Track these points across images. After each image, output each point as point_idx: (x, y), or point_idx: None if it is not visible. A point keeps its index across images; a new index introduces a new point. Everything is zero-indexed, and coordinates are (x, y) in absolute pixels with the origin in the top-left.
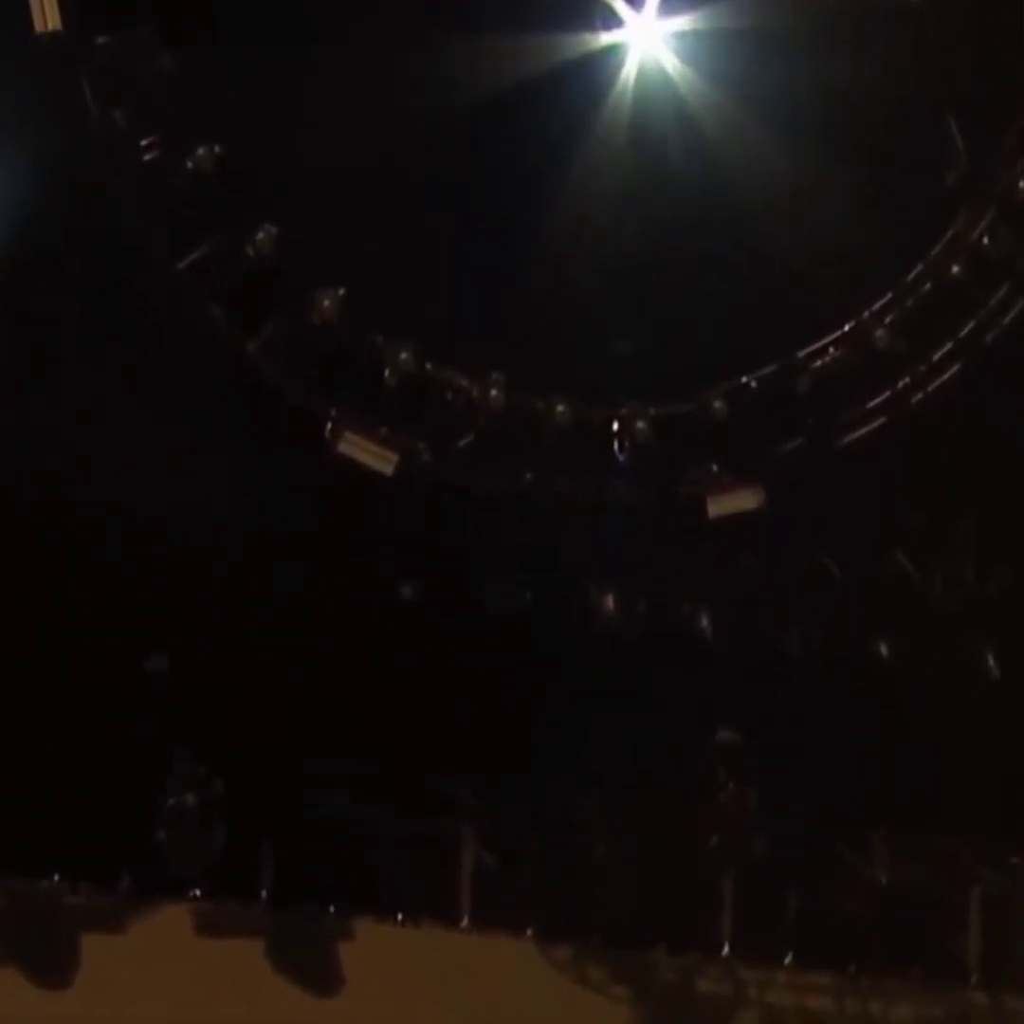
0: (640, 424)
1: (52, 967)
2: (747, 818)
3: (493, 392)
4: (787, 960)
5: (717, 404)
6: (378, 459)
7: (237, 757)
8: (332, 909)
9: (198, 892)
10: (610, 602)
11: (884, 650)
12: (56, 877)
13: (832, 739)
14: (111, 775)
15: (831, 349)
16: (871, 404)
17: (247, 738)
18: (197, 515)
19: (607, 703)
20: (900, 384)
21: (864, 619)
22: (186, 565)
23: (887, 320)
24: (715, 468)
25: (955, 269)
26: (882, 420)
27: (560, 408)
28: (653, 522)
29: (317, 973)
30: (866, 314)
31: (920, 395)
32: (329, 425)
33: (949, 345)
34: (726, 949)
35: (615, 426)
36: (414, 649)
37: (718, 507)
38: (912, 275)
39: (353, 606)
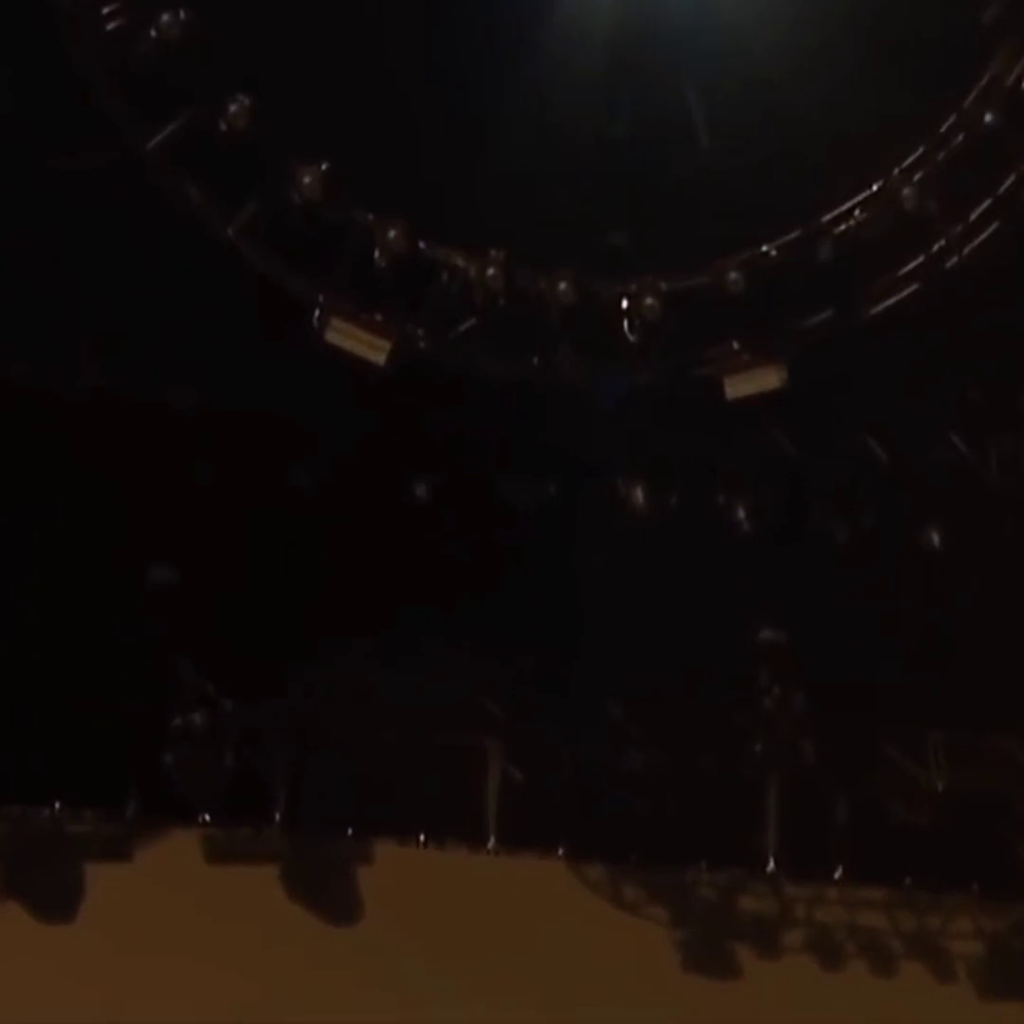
0: (650, 300)
1: (55, 899)
2: (793, 723)
3: (491, 271)
4: (837, 875)
5: (733, 276)
6: (370, 348)
7: (246, 673)
8: (350, 832)
9: (208, 817)
10: (639, 494)
11: (936, 538)
12: (58, 804)
13: (882, 635)
14: (114, 695)
15: (856, 212)
16: (902, 271)
17: (257, 653)
18: (184, 413)
19: (640, 604)
20: (933, 248)
21: (913, 505)
22: (179, 467)
23: (917, 177)
24: (735, 346)
25: (990, 117)
26: (914, 287)
27: (563, 286)
28: (676, 407)
29: (334, 900)
30: (895, 172)
31: (955, 259)
32: (316, 313)
33: (986, 202)
34: (771, 864)
35: (624, 304)
36: (430, 552)
37: (737, 388)
38: (944, 126)
39: (363, 508)
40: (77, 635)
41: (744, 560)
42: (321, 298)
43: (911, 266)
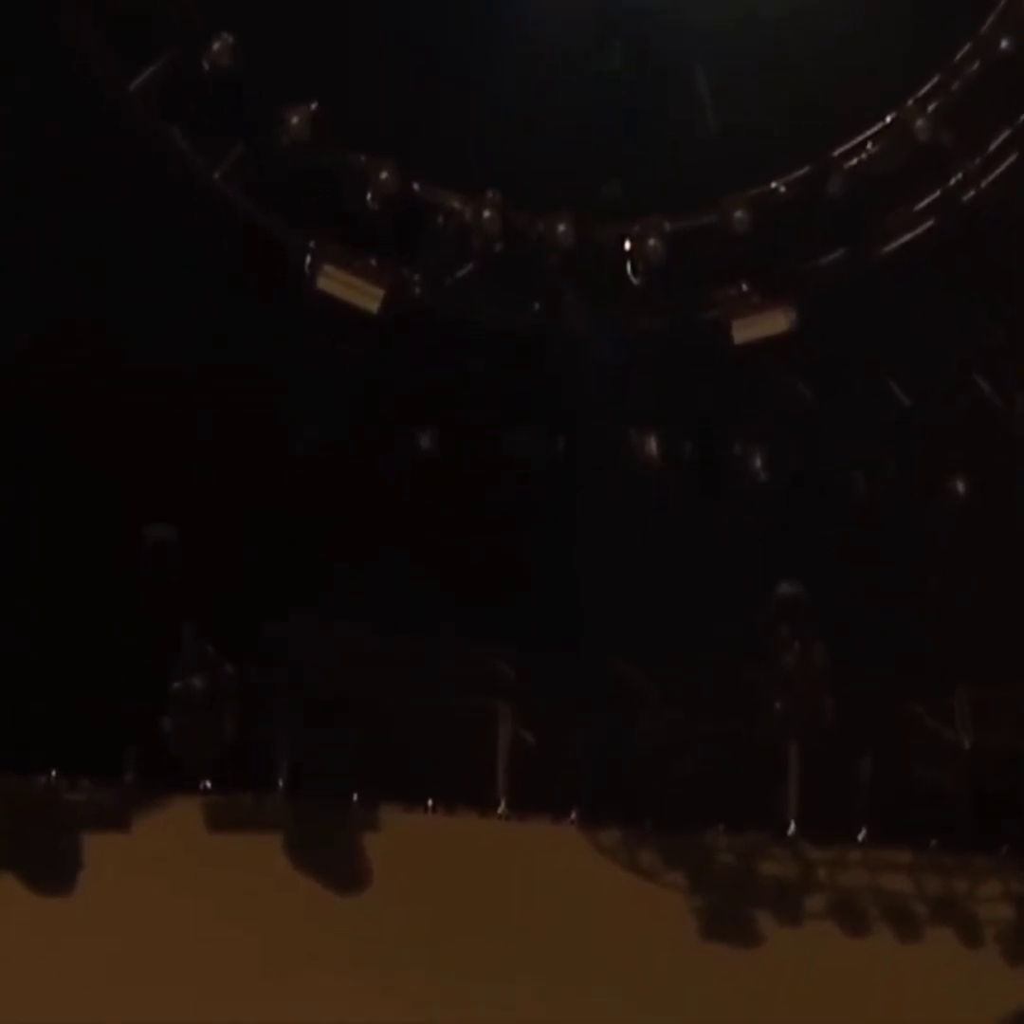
0: (653, 242)
1: (52, 871)
2: (813, 681)
3: (487, 214)
4: (860, 837)
5: (740, 215)
6: (363, 295)
7: (248, 636)
8: (355, 798)
9: (209, 784)
10: (651, 445)
11: (961, 487)
12: (54, 773)
13: (906, 588)
14: (111, 658)
15: (868, 145)
16: (917, 206)
17: (258, 614)
18: (175, 367)
19: (653, 560)
20: (950, 181)
21: (936, 451)
22: (173, 423)
23: (931, 108)
24: (744, 288)
25: (1006, 44)
26: (930, 223)
27: (562, 228)
28: (688, 353)
29: (340, 869)
30: (908, 102)
31: (973, 193)
32: (307, 260)
33: (1004, 133)
34: (792, 827)
35: (626, 246)
36: (436, 509)
37: (745, 332)
38: (958, 54)
39: (365, 464)
40: (72, 598)
41: (761, 511)
42: (312, 244)
43: (927, 201)
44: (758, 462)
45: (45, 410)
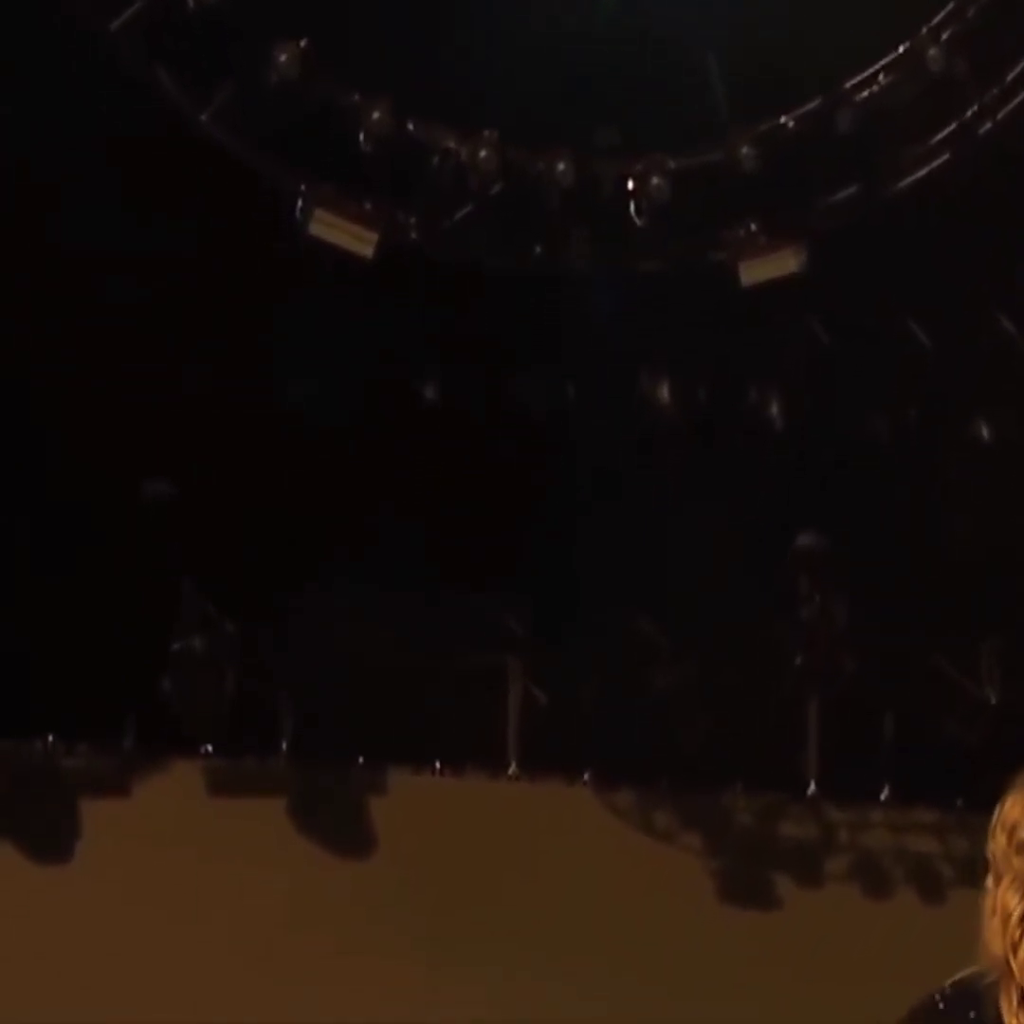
0: (657, 180)
1: (49, 838)
2: (834, 635)
3: (484, 153)
4: (883, 797)
5: (747, 151)
6: (356, 240)
7: (249, 593)
8: (361, 760)
9: (210, 748)
10: (664, 392)
11: (986, 431)
12: (50, 737)
13: (930, 538)
14: (108, 618)
15: (880, 76)
16: (932, 140)
17: (260, 571)
18: (165, 318)
19: (667, 510)
20: (965, 113)
21: (960, 395)
22: (168, 374)
23: (945, 36)
24: (752, 227)
25: None
26: (946, 157)
27: (562, 167)
28: (696, 296)
29: (346, 833)
30: (921, 31)
31: (989, 125)
32: (298, 203)
33: (1022, 63)
34: (812, 787)
35: (629, 184)
36: (441, 461)
37: (753, 273)
38: None
39: (368, 415)
40: (67, 556)
41: (779, 459)
42: (303, 188)
43: (942, 134)
44: (774, 408)
45: (33, 365)
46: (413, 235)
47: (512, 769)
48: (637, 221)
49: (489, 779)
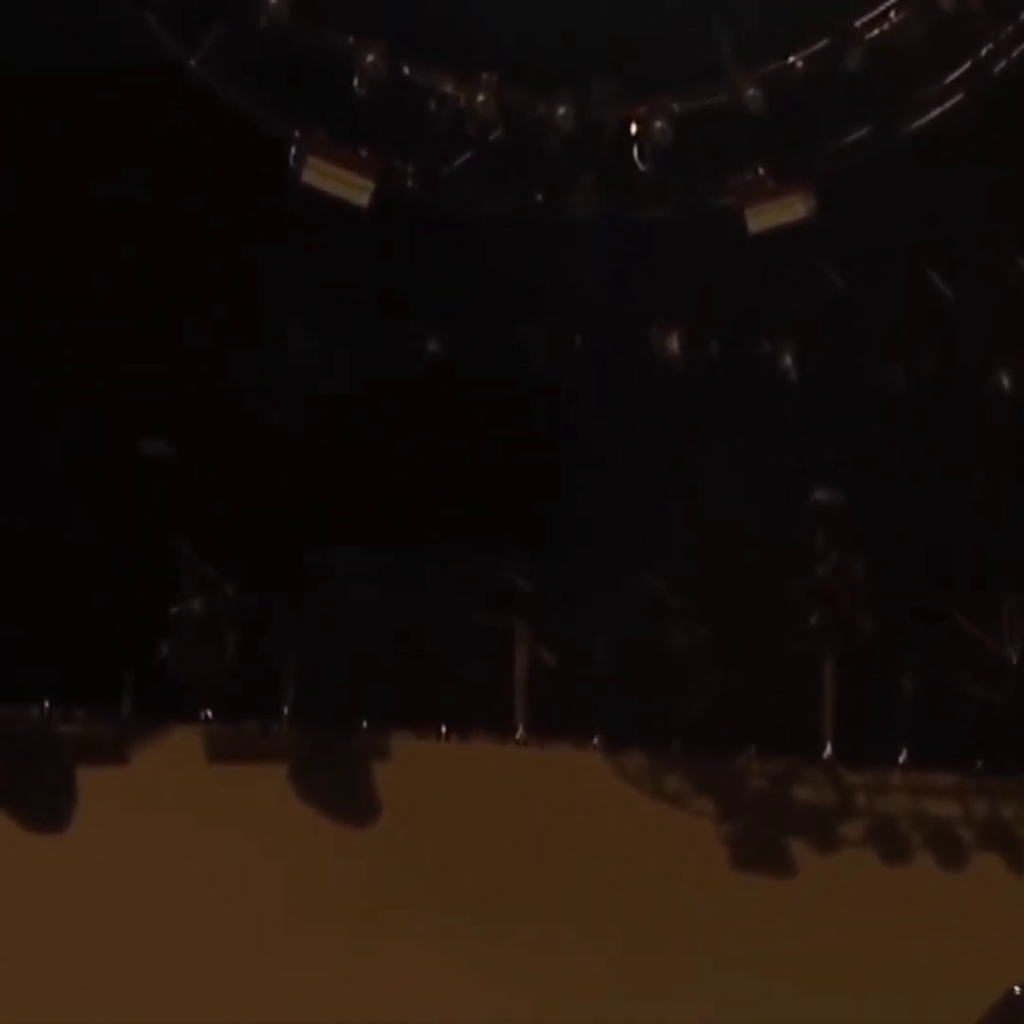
0: (661, 124)
1: (45, 807)
2: (851, 592)
3: (482, 97)
4: (901, 759)
5: (753, 92)
6: (351, 188)
7: (250, 555)
8: (365, 725)
9: (210, 714)
10: (674, 343)
11: (1006, 382)
12: (46, 704)
13: (949, 492)
14: (105, 582)
15: (891, 14)
16: (945, 80)
17: (260, 532)
18: (159, 270)
19: (679, 466)
20: (980, 52)
21: (979, 344)
22: (165, 330)
23: None
24: (760, 171)
25: None
26: (959, 97)
27: (562, 111)
28: (707, 243)
29: (349, 800)
30: None
31: (1004, 63)
32: (292, 151)
33: None
34: (828, 750)
35: (632, 128)
36: (446, 416)
37: (760, 219)
38: None
39: (371, 370)
40: (62, 519)
41: (793, 412)
42: (296, 135)
43: (955, 74)
44: (788, 359)
45: (27, 323)
46: (410, 183)
47: (519, 733)
48: (641, 166)
49: (496, 743)
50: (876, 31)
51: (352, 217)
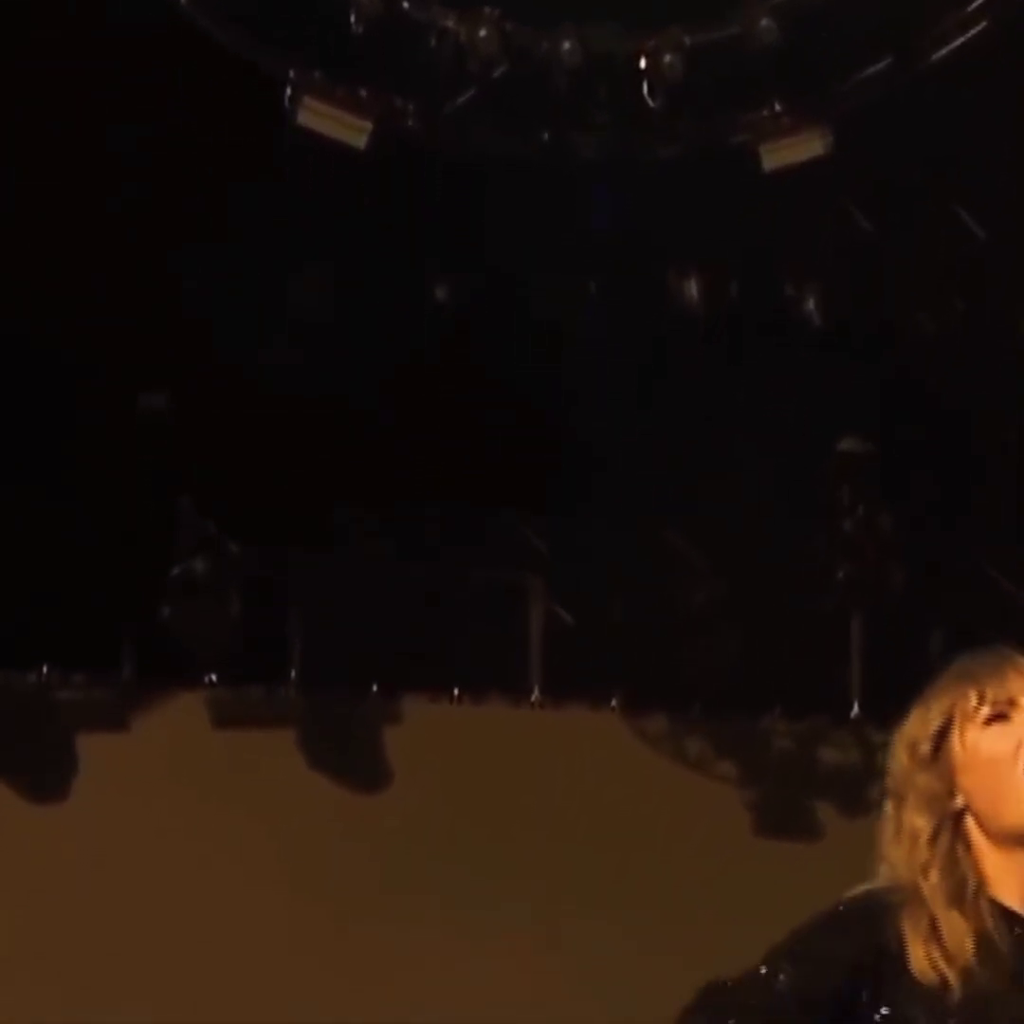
0: (671, 58)
1: (44, 775)
2: (879, 546)
3: (484, 32)
4: None
5: (766, 23)
6: (348, 129)
7: (254, 511)
8: (375, 688)
9: (214, 677)
10: (692, 288)
11: None
12: (44, 668)
13: (979, 441)
14: (104, 541)
15: None
16: (970, 6)
17: (265, 488)
18: (153, 219)
19: (699, 415)
20: None
21: (1010, 287)
22: (158, 279)
23: None
24: (776, 107)
25: None
26: (984, 25)
27: (568, 46)
28: (725, 183)
29: (360, 765)
30: None
31: None
32: (287, 91)
33: None
34: (855, 709)
35: (641, 63)
36: (455, 366)
37: (775, 157)
38: None
39: (376, 321)
40: (58, 476)
41: (817, 358)
42: (291, 74)
43: (978, 1)
44: (811, 303)
45: (24, 273)
46: (410, 124)
47: (535, 695)
48: (650, 103)
49: (511, 706)
50: None
51: (350, 160)
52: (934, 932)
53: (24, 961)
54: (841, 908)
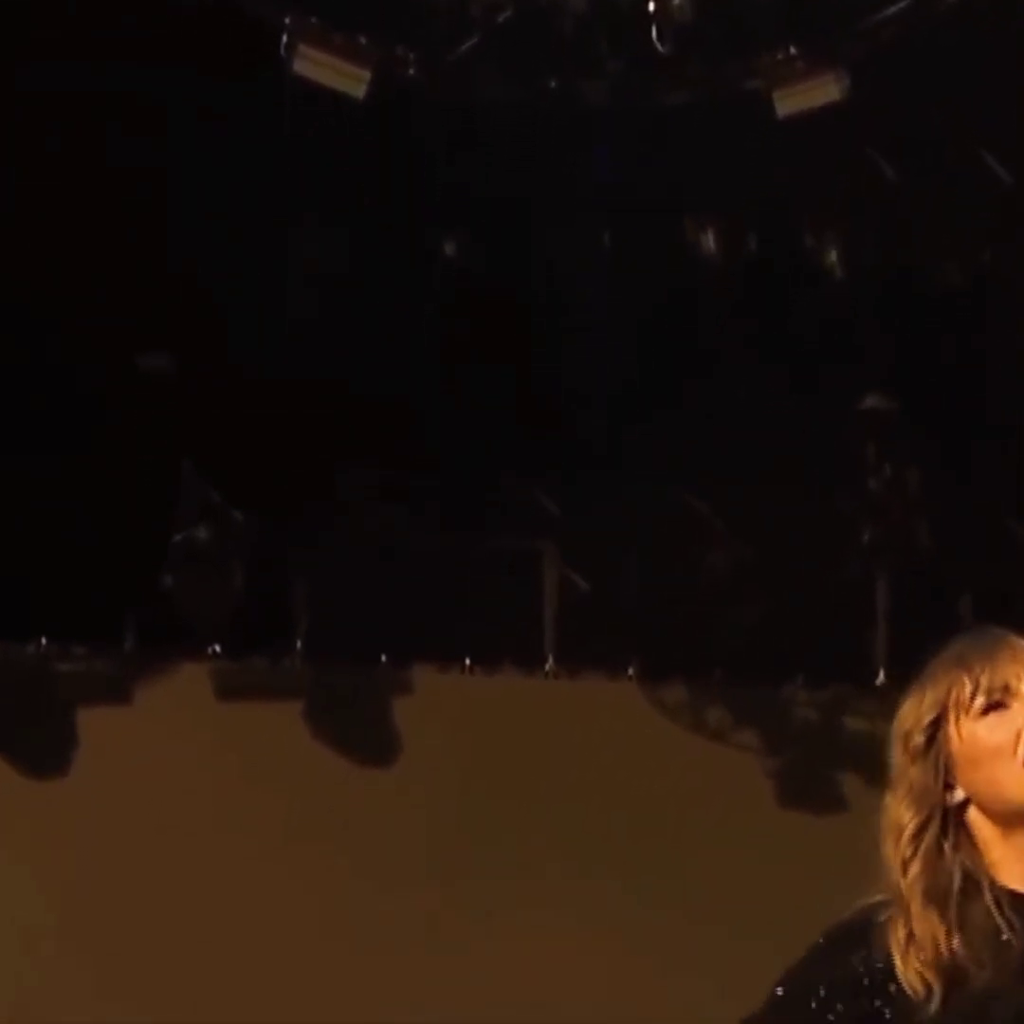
0: (680, 0)
1: (44, 750)
2: (906, 505)
3: None
4: None
5: None
6: (346, 78)
7: (259, 476)
8: (384, 659)
9: (218, 648)
10: (709, 238)
11: None
12: (44, 639)
13: (1009, 396)
14: (104, 508)
15: None
16: None
17: (270, 452)
18: (149, 170)
19: (716, 372)
20: None
21: None
22: (156, 234)
23: None
24: (791, 50)
25: None
26: None
27: None
28: (738, 131)
29: (368, 738)
30: None
31: None
32: (283, 38)
33: None
34: (881, 676)
35: (650, 6)
36: (466, 321)
37: (789, 102)
38: None
39: (382, 276)
40: (57, 440)
41: (840, 312)
42: (287, 21)
43: None
44: (834, 254)
45: (21, 229)
46: (412, 72)
47: (549, 665)
48: (659, 48)
49: (524, 676)
50: None
51: (349, 110)
52: (911, 936)
53: (25, 939)
54: (833, 929)
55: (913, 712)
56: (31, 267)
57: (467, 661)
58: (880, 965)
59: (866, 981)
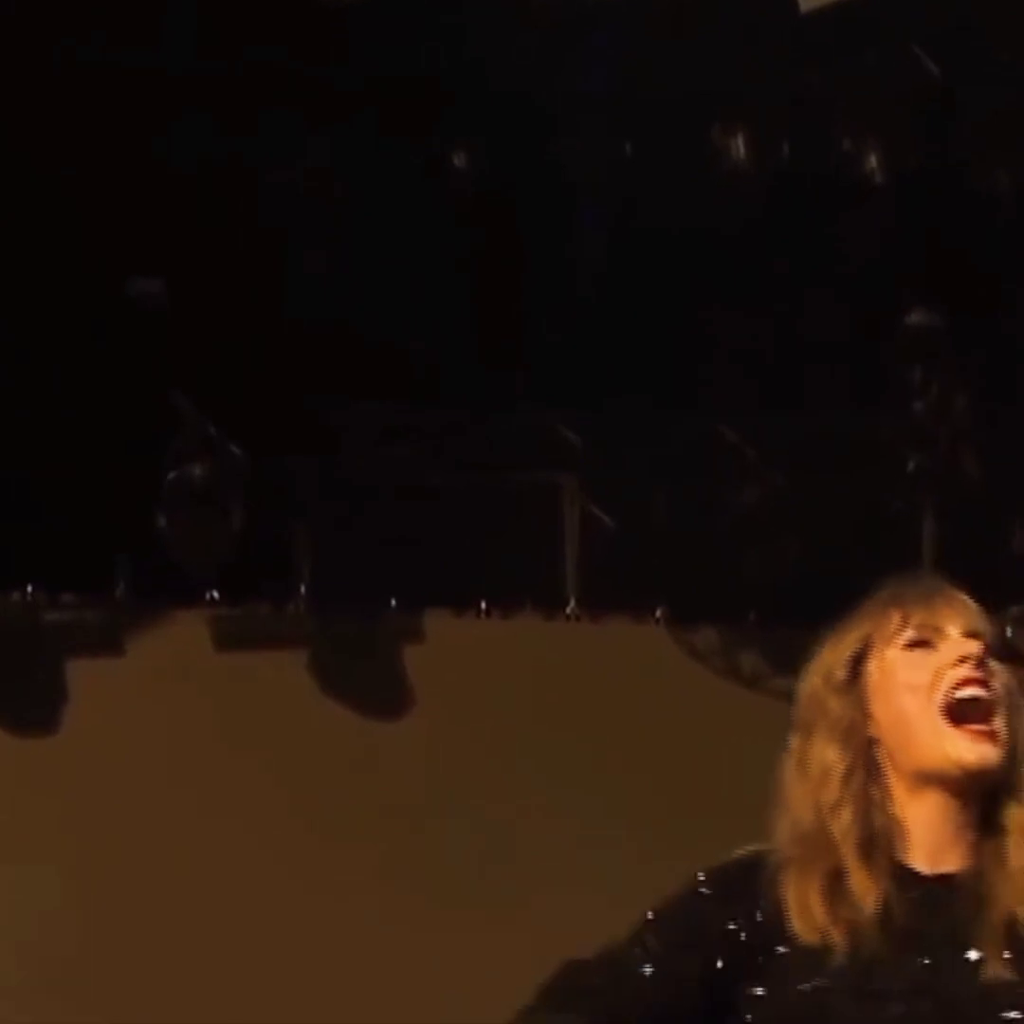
0: None
1: (32, 704)
2: (954, 431)
3: None
4: (1012, 616)
5: None
6: None
7: (258, 410)
8: (393, 603)
9: (215, 595)
10: (739, 144)
11: None
12: (30, 587)
13: None
14: (92, 445)
15: None
16: None
17: (270, 382)
18: (153, 89)
19: (748, 289)
20: None
21: None
22: (143, 151)
23: None
24: None
25: None
26: None
27: None
28: (767, 26)
29: (377, 689)
30: None
31: None
32: None
33: None
34: None
35: None
36: (474, 241)
37: None
38: None
39: (386, 190)
40: (40, 370)
41: (881, 222)
42: None
43: None
44: (873, 160)
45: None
46: None
47: (571, 607)
48: None
49: (544, 620)
50: None
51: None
52: (833, 885)
53: (15, 904)
54: (713, 874)
55: (835, 644)
56: (17, 187)
57: (483, 605)
58: (762, 921)
59: (743, 936)
